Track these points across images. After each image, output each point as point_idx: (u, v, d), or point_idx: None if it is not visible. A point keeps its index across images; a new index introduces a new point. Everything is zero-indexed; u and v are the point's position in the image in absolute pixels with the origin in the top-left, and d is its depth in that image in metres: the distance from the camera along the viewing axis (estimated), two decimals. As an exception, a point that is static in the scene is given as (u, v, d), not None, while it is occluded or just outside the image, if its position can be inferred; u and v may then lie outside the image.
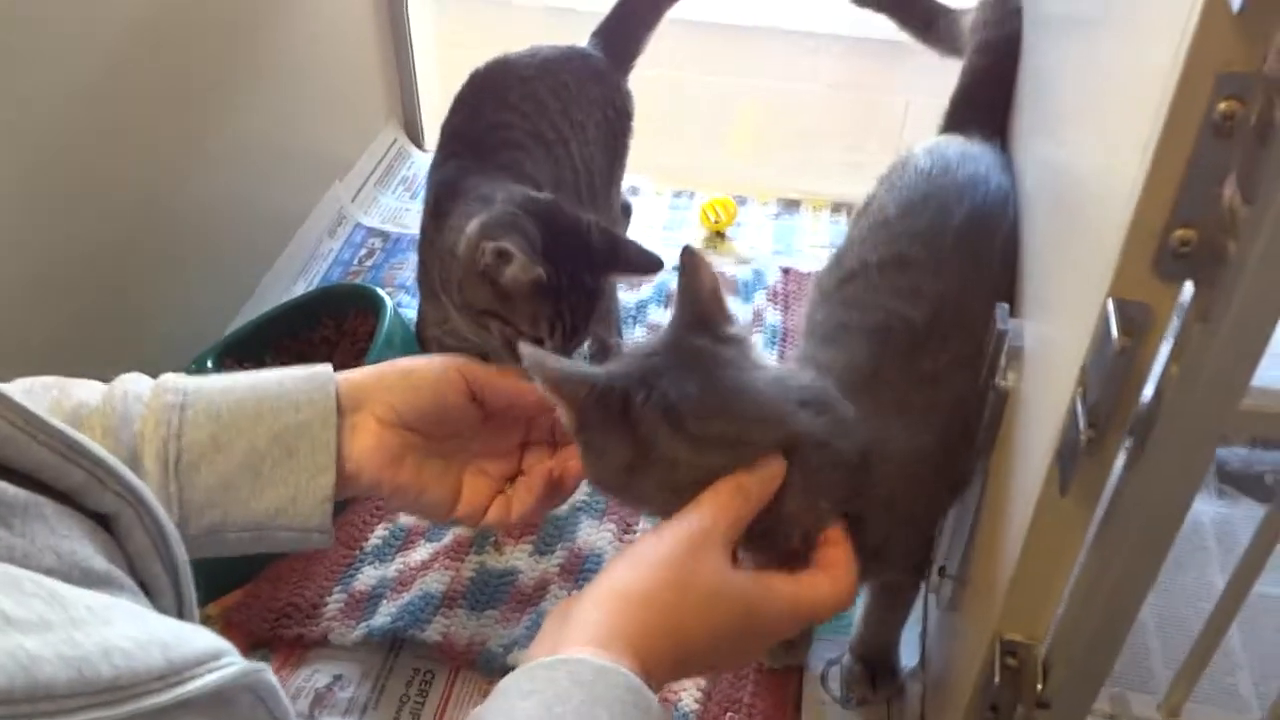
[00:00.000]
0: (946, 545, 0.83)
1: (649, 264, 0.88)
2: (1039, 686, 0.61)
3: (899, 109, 1.67)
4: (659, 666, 0.56)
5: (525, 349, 0.66)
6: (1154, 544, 0.52)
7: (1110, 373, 0.48)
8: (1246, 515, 1.10)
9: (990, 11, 0.98)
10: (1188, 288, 0.48)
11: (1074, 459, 0.51)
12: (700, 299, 0.69)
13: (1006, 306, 0.73)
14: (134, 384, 0.68)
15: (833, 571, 0.66)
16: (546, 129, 1.03)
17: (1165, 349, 0.49)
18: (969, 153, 0.85)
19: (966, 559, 0.81)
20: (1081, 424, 0.50)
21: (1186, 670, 0.63)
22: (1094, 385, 0.50)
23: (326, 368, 0.72)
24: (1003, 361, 0.71)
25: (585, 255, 0.85)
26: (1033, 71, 0.85)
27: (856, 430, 0.70)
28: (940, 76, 1.64)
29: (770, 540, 0.68)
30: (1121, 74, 0.52)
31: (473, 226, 0.84)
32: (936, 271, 0.77)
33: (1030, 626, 0.63)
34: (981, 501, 0.77)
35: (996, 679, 0.62)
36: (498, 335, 0.87)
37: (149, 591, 0.51)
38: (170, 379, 0.69)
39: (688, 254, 0.70)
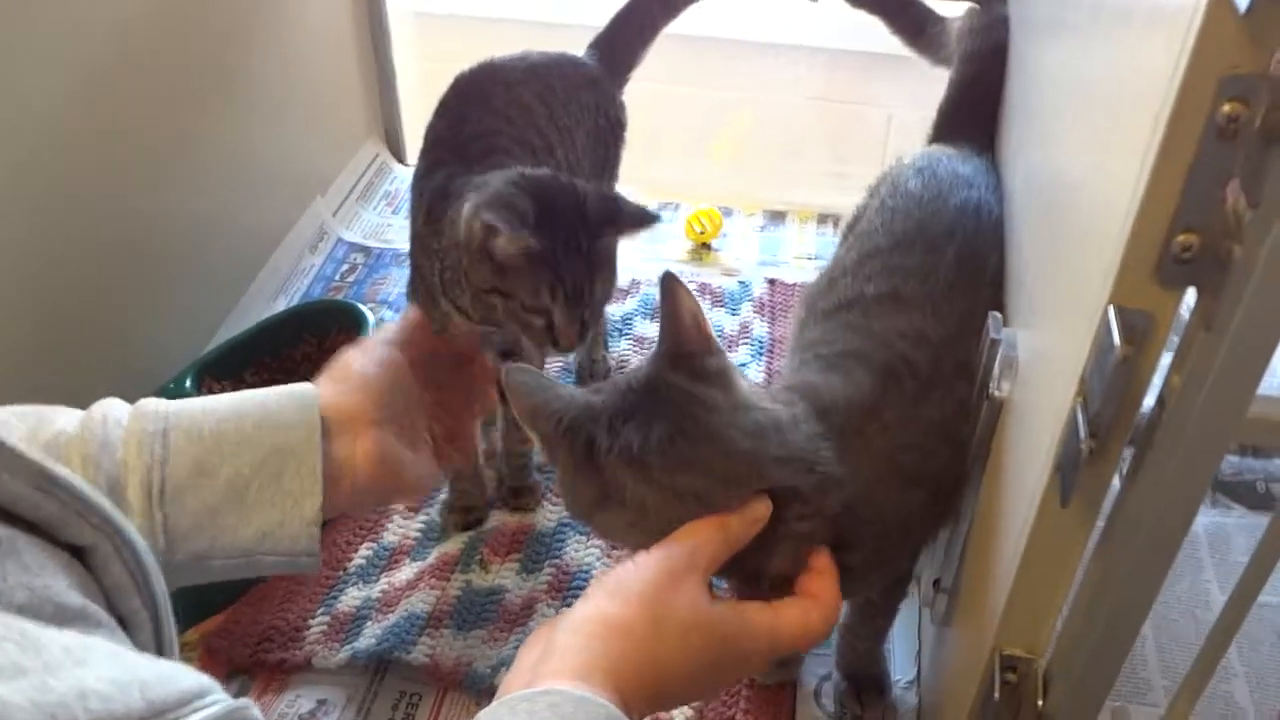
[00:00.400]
0: (940, 558, 0.82)
1: (644, 218, 0.88)
2: (1040, 702, 0.60)
3: (882, 120, 1.67)
4: (637, 698, 0.55)
5: (509, 374, 0.66)
6: (1158, 556, 0.51)
7: (1111, 382, 0.47)
8: (1239, 523, 1.09)
9: (976, 19, 0.98)
10: (1190, 294, 0.47)
11: (1075, 470, 0.50)
12: (680, 329, 0.67)
13: (999, 316, 0.73)
14: (113, 410, 0.66)
15: (815, 601, 0.65)
16: (533, 136, 1.01)
17: (1166, 358, 0.48)
18: (960, 175, 0.84)
19: (960, 572, 0.79)
20: (1082, 434, 0.49)
21: (1189, 683, 0.62)
22: (1095, 395, 0.49)
23: (310, 386, 0.71)
24: (996, 371, 0.70)
25: (580, 220, 0.85)
26: (1021, 79, 0.85)
27: (843, 484, 0.68)
28: (923, 88, 1.64)
29: (749, 576, 0.67)
30: (1117, 78, 0.52)
31: (468, 207, 0.84)
32: (935, 314, 0.76)
33: (1030, 640, 0.62)
34: (974, 513, 0.76)
35: (996, 695, 0.61)
36: (503, 313, 0.86)
37: (127, 626, 0.49)
38: (150, 404, 0.67)
39: (667, 280, 0.68)
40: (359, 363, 0.75)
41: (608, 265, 0.89)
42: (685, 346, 0.67)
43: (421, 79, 1.75)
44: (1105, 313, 0.48)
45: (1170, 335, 0.49)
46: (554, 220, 0.84)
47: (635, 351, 1.32)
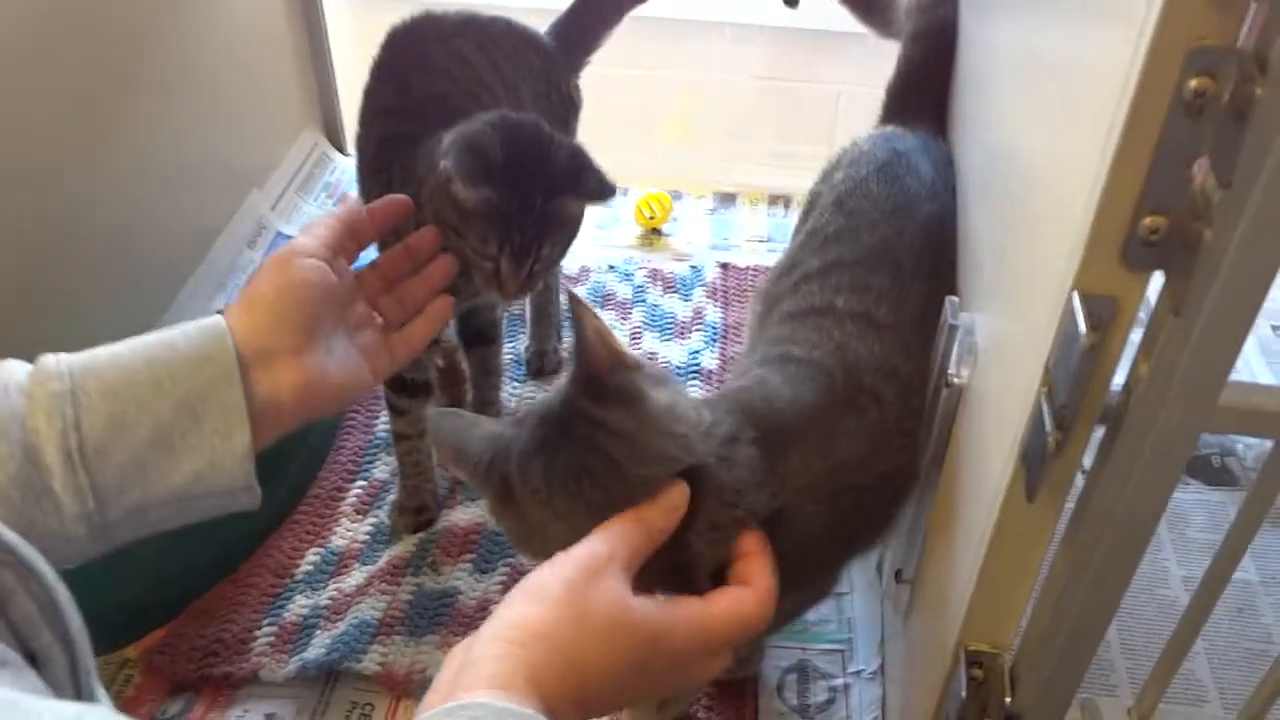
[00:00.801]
0: (902, 548, 0.80)
1: (601, 192, 0.86)
2: (1008, 699, 0.58)
3: (830, 99, 1.65)
4: (563, 702, 0.52)
5: (433, 421, 0.67)
6: (1128, 548, 0.49)
7: (1077, 371, 0.45)
8: (1197, 499, 1.09)
9: (922, 8, 0.95)
10: (1156, 279, 0.45)
11: (1042, 462, 0.48)
12: (586, 350, 0.65)
13: (956, 300, 0.71)
14: (14, 375, 0.63)
15: (749, 587, 0.62)
16: (480, 91, 0.99)
17: (1131, 341, 0.46)
18: (923, 180, 0.81)
19: (920, 563, 0.78)
20: (1048, 425, 0.47)
21: (1159, 672, 0.61)
22: (1060, 385, 0.47)
23: (218, 319, 0.67)
24: (955, 357, 0.68)
25: (543, 177, 0.84)
26: (972, 55, 0.83)
27: (764, 487, 0.66)
28: (870, 66, 1.63)
29: (682, 580, 0.64)
30: (1076, 54, 0.49)
31: (447, 138, 0.84)
32: (904, 348, 0.74)
33: (995, 635, 0.60)
34: (933, 503, 0.74)
35: (963, 693, 0.59)
36: (454, 248, 0.85)
37: (38, 662, 0.46)
38: (49, 361, 0.63)
39: (572, 300, 0.66)
40: (270, 284, 0.70)
41: (563, 227, 0.87)
42: (593, 367, 0.65)
43: (360, 63, 1.67)
44: (1070, 299, 0.46)
45: (1133, 319, 0.47)
46: (517, 173, 0.83)
47: (587, 341, 1.29)
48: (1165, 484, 0.46)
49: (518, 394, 1.23)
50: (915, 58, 0.93)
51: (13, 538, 0.45)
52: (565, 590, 0.55)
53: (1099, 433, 0.49)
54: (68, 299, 1.12)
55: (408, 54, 1.01)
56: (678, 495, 0.62)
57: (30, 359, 0.64)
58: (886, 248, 0.77)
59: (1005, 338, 0.59)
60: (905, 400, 0.73)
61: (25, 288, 1.05)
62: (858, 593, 1.01)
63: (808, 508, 0.69)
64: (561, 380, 0.70)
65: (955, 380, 0.67)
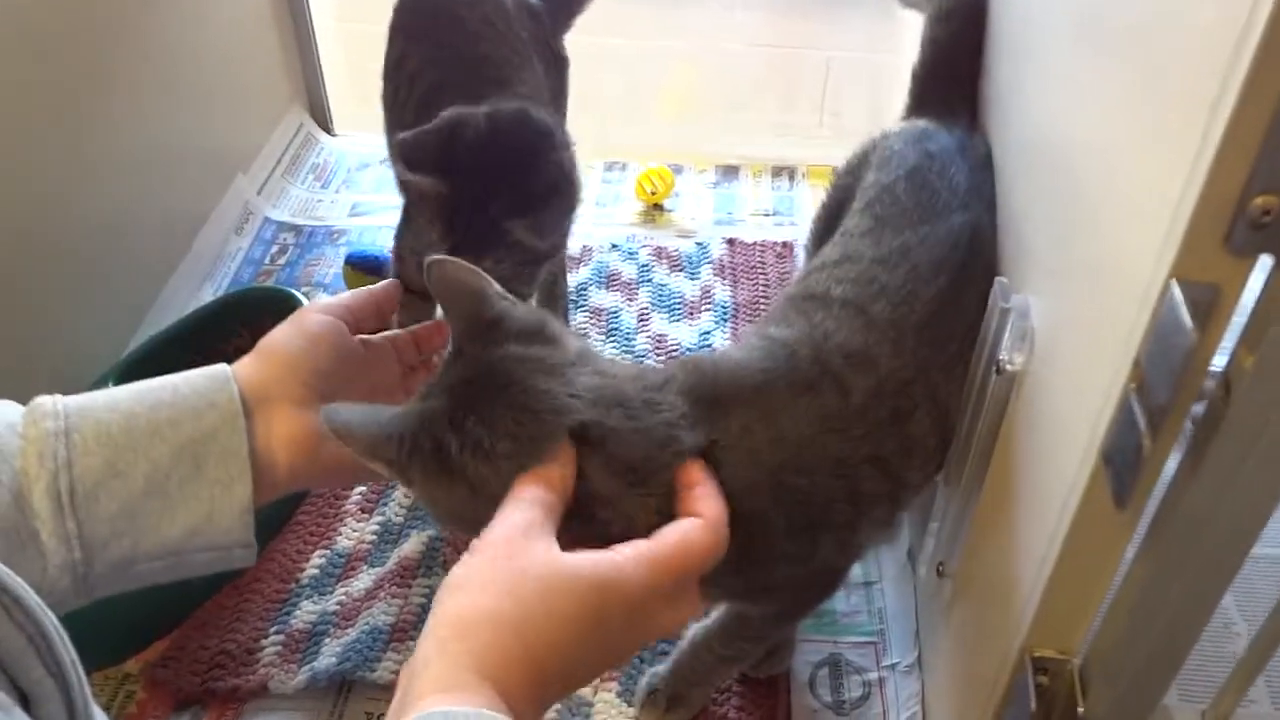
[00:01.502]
0: (941, 539, 0.76)
1: (539, 231, 0.82)
2: (1080, 709, 0.55)
3: (822, 65, 1.60)
4: (518, 682, 0.48)
5: (327, 417, 0.59)
6: (1228, 554, 0.45)
7: (1177, 366, 0.41)
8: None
9: None
10: (1262, 264, 0.41)
11: (1135, 467, 0.44)
12: (483, 299, 0.62)
13: (1006, 281, 0.67)
14: (4, 413, 0.60)
15: (695, 511, 0.57)
16: (511, 54, 0.98)
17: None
18: (954, 186, 0.76)
19: (965, 557, 0.74)
20: (1142, 426, 0.43)
21: (1238, 675, 0.58)
22: (1156, 381, 0.43)
23: (223, 366, 0.64)
24: (1007, 341, 0.64)
25: (513, 192, 0.81)
26: (1013, 25, 0.77)
27: (682, 445, 0.61)
28: (859, 31, 1.60)
29: (606, 528, 0.59)
30: (1169, 17, 0.45)
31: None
32: (895, 347, 0.69)
33: (1064, 641, 0.57)
34: (978, 495, 0.70)
35: (1033, 703, 0.56)
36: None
37: (28, 701, 0.43)
38: (45, 402, 0.60)
39: (432, 264, 0.63)
40: (282, 335, 0.68)
41: (512, 248, 0.83)
42: (474, 314, 0.62)
43: (344, 41, 1.64)
44: (1168, 288, 0.42)
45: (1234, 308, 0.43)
46: (481, 170, 0.81)
47: (593, 324, 1.25)
48: (1272, 488, 0.43)
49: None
50: (943, 39, 0.87)
51: None
52: (490, 569, 0.51)
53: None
54: (49, 294, 1.06)
55: (439, 11, 0.99)
56: (564, 450, 0.58)
57: (12, 359, 0.61)
58: (907, 250, 0.73)
59: (1073, 324, 0.55)
60: (878, 395, 0.68)
61: (3, 284, 1.00)
62: (888, 581, 0.97)
63: (751, 475, 0.63)
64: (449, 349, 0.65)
65: (1008, 366, 0.63)
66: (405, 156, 0.79)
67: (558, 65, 1.08)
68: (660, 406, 0.61)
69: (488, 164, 0.81)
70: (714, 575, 0.57)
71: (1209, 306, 0.41)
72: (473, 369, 0.60)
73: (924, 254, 0.73)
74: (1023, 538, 0.60)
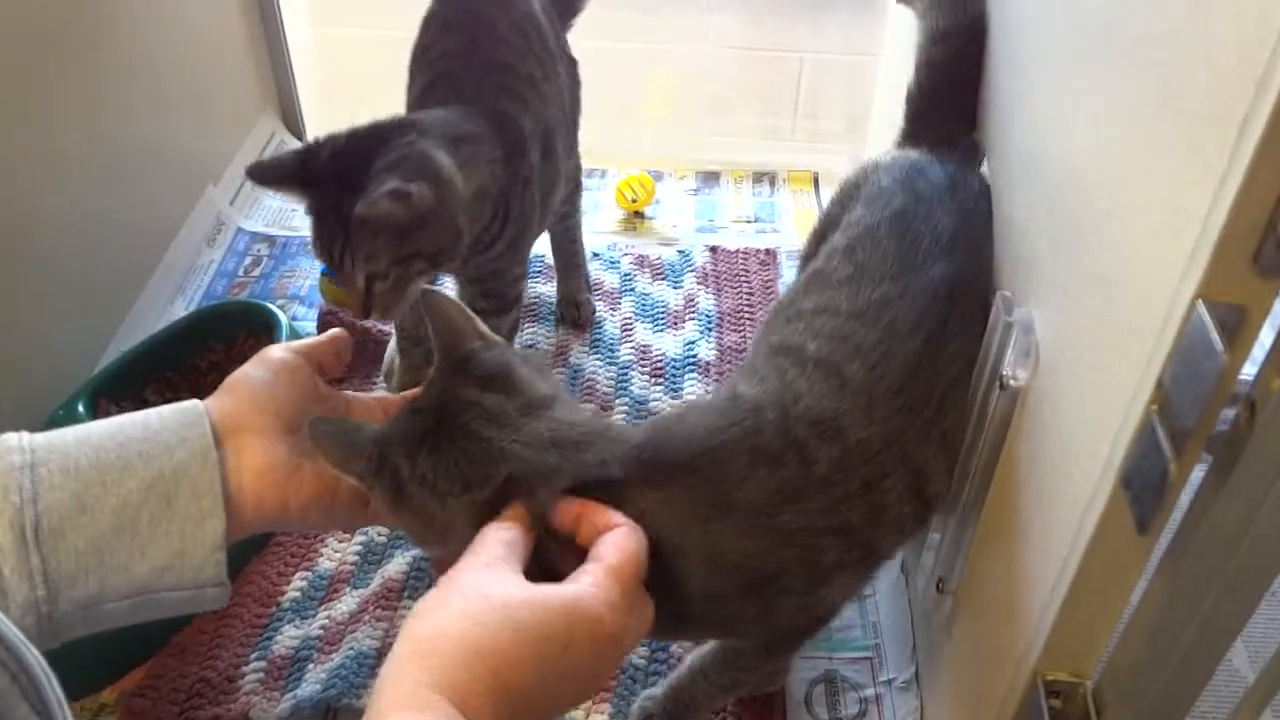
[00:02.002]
0: (945, 556, 0.75)
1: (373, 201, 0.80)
2: (1094, 732, 0.54)
3: (801, 69, 1.59)
4: (480, 699, 0.48)
5: (314, 424, 0.63)
6: (1254, 577, 0.44)
7: (1206, 389, 0.40)
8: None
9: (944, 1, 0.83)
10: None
11: (1159, 492, 0.43)
12: (451, 331, 0.65)
13: (1009, 295, 0.65)
14: None
15: (610, 524, 0.59)
16: (534, 68, 0.99)
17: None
18: (939, 233, 0.72)
19: (967, 575, 0.73)
20: (1167, 450, 0.42)
21: (1259, 690, 0.56)
22: (1182, 404, 0.41)
23: (195, 402, 0.63)
24: (1009, 356, 0.63)
25: (356, 182, 0.82)
26: (1015, 36, 0.75)
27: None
28: (837, 33, 1.59)
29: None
30: (1191, 30, 0.43)
31: None
32: (868, 412, 0.66)
33: (1077, 664, 0.55)
34: (983, 510, 0.69)
35: (1046, 729, 0.54)
36: None
37: None
38: (9, 437, 0.58)
39: (426, 295, 0.67)
40: (246, 370, 0.68)
41: (370, 233, 0.83)
42: (460, 348, 0.65)
43: (318, 45, 1.61)
44: (1193, 309, 0.40)
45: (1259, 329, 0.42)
46: (339, 177, 0.82)
47: (575, 336, 1.23)
48: (1301, 512, 0.41)
49: (551, 337, 1.22)
50: (939, 62, 0.83)
51: None
52: (454, 597, 0.52)
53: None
54: (15, 311, 1.03)
55: (476, 9, 0.99)
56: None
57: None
58: (886, 303, 0.70)
59: (1082, 341, 0.53)
60: (844, 466, 0.65)
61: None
62: (881, 595, 0.96)
63: (682, 538, 0.63)
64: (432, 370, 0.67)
65: (1012, 382, 0.62)
66: (256, 175, 0.84)
67: (571, 67, 1.09)
68: (586, 448, 0.62)
69: (344, 172, 0.82)
70: (673, 623, 0.61)
71: (1235, 327, 0.40)
72: (436, 402, 0.63)
73: (902, 308, 0.69)
74: (1032, 557, 0.59)
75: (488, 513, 0.60)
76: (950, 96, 0.83)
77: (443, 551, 0.62)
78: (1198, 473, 0.44)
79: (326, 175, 0.83)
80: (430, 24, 1.00)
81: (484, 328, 0.66)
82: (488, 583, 0.53)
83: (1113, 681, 0.53)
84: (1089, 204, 0.52)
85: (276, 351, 0.69)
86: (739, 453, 0.65)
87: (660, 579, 0.60)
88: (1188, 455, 0.42)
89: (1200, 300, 0.40)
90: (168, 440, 0.60)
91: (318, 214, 0.84)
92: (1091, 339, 0.52)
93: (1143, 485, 0.44)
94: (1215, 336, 0.39)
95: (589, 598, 0.53)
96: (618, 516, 0.59)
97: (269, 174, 0.85)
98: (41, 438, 0.59)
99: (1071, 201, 0.56)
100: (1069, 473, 0.54)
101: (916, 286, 0.70)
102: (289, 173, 0.84)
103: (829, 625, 0.91)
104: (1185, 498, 0.46)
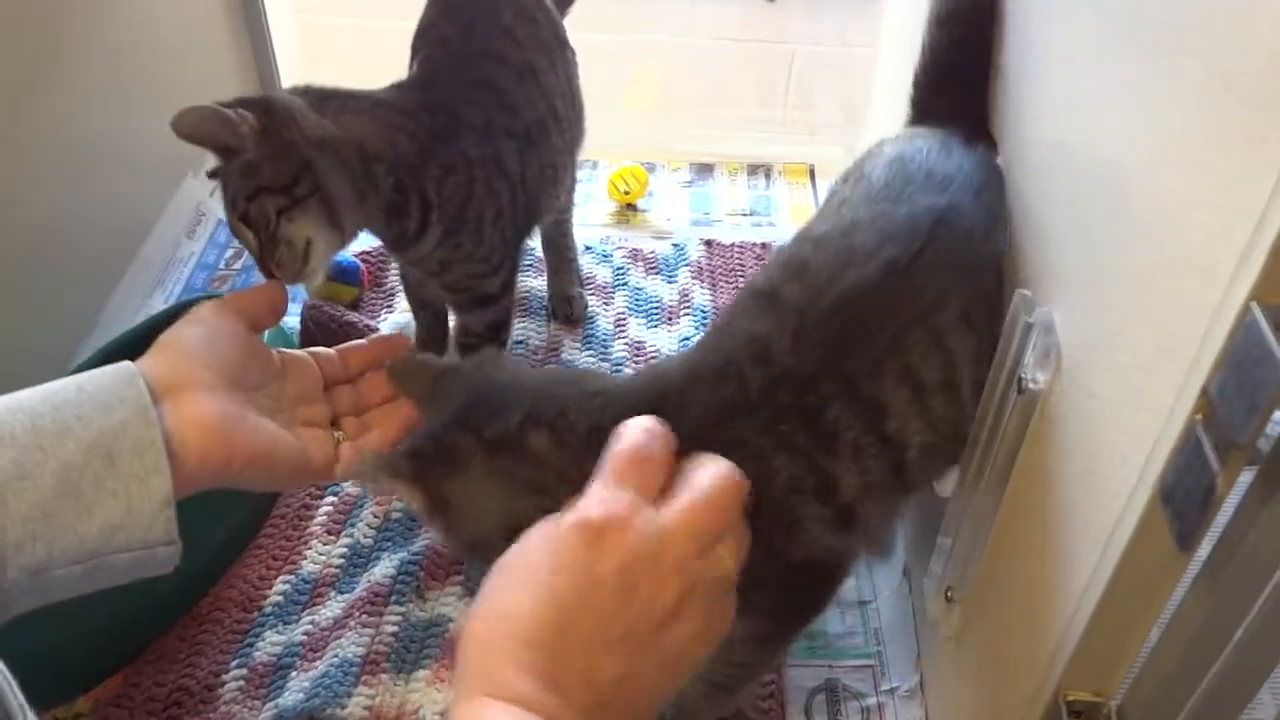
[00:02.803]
0: (955, 564, 0.72)
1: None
2: (1120, 755, 0.51)
3: (794, 59, 1.56)
4: (514, 676, 0.46)
5: (367, 459, 0.62)
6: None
7: (1261, 399, 0.37)
8: None
9: None
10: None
11: (1203, 507, 0.40)
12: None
13: (1029, 294, 0.63)
14: None
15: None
16: (525, 68, 0.96)
17: None
18: (933, 175, 0.70)
19: (980, 584, 0.70)
20: (1214, 464, 0.39)
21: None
22: (1231, 414, 0.39)
23: (128, 363, 0.62)
24: (1029, 358, 0.60)
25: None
26: (1035, 32, 0.71)
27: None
28: (831, 23, 1.56)
29: None
30: (1242, 23, 0.40)
31: None
32: (796, 339, 0.64)
33: (1102, 683, 0.53)
34: (996, 517, 0.66)
35: (1069, 751, 0.52)
36: None
37: None
38: None
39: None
40: (177, 328, 0.66)
41: (233, 184, 0.82)
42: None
43: (300, 34, 1.57)
44: (1247, 312, 0.37)
45: None
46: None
47: (567, 331, 1.20)
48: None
49: (543, 333, 1.20)
50: (944, 45, 0.81)
51: None
52: (499, 574, 0.51)
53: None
54: (-13, 306, 0.99)
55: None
56: None
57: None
58: (852, 228, 0.67)
59: (1112, 345, 0.50)
60: (775, 388, 0.63)
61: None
62: (883, 601, 0.93)
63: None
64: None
65: (1031, 385, 0.59)
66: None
67: (569, 54, 1.06)
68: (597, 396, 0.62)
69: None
70: None
71: (1288, 331, 0.37)
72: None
73: (869, 233, 0.66)
74: (1054, 569, 0.56)
75: None
76: (955, 80, 0.80)
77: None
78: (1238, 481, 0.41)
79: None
80: (434, 3, 0.98)
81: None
82: (511, 559, 0.51)
83: (1140, 702, 0.51)
84: (1124, 200, 0.50)
85: (208, 307, 0.68)
86: (702, 373, 0.64)
87: None
88: (1234, 467, 0.39)
89: (1255, 303, 0.37)
90: (104, 400, 0.58)
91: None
92: (1124, 343, 0.49)
93: (1185, 499, 0.41)
94: (1272, 342, 0.36)
95: (570, 509, 0.51)
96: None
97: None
98: None
99: (1102, 197, 0.53)
100: (1097, 483, 0.51)
101: (894, 213, 0.67)
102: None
103: (829, 630, 0.89)
104: (1223, 510, 0.43)
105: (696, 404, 0.63)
